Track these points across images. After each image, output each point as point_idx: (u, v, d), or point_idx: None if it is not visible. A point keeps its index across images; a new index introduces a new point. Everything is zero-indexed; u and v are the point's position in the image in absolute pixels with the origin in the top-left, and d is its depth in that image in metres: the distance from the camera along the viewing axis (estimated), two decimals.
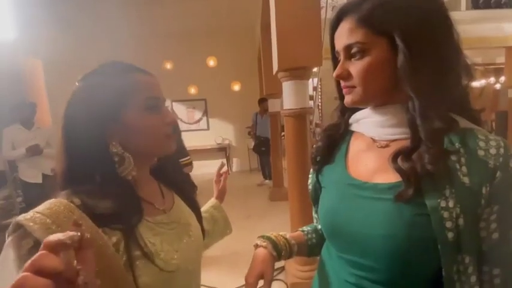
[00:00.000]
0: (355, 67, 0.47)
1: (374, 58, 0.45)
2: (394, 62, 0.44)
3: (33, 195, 2.65)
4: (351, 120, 0.56)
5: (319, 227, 0.66)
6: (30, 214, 0.38)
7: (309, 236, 0.66)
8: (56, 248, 0.22)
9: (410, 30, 0.43)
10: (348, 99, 0.50)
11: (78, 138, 0.46)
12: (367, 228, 0.46)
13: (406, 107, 0.45)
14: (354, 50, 0.46)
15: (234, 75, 5.47)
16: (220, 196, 0.84)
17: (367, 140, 0.52)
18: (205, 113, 5.83)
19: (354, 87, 0.48)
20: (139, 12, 3.99)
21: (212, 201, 0.83)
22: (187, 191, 0.65)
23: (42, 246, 0.22)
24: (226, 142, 5.87)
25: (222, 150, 5.75)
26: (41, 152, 2.57)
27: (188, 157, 2.33)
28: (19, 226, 0.38)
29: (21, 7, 2.87)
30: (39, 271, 0.21)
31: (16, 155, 2.57)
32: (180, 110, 5.67)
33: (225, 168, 0.85)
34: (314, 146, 0.61)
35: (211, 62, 5.01)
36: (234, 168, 6.03)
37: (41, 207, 0.40)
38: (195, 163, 2.54)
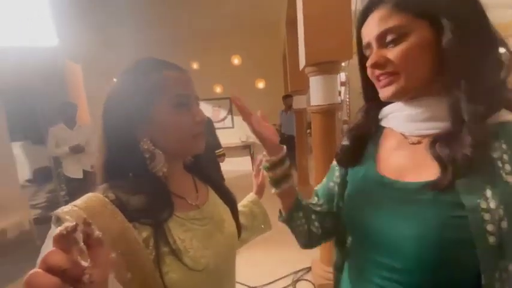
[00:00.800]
0: (395, 52, 0.44)
1: (415, 41, 0.42)
2: (435, 45, 0.42)
3: (75, 189, 2.87)
4: (380, 115, 0.54)
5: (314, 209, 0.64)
6: (68, 207, 0.40)
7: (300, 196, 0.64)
8: (59, 241, 0.22)
9: (454, 10, 0.41)
10: (387, 92, 0.46)
11: (113, 134, 0.48)
12: (395, 228, 0.44)
13: (441, 99, 0.43)
14: (390, 37, 0.44)
15: (258, 73, 5.45)
16: (260, 191, 0.83)
17: (398, 136, 0.50)
18: (230, 111, 5.90)
19: (395, 74, 0.45)
20: (166, 14, 4.13)
21: (251, 196, 0.81)
22: (223, 186, 0.64)
23: (52, 242, 0.22)
24: (251, 140, 5.89)
25: (247, 148, 5.78)
26: (83, 150, 2.79)
27: (221, 149, 2.53)
28: (59, 218, 0.39)
29: (62, 16, 3.09)
30: (49, 268, 0.21)
31: (60, 152, 2.80)
32: (206, 110, 5.75)
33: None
34: (340, 145, 0.59)
35: (236, 61, 5.04)
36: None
37: (78, 201, 0.42)
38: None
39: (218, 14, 4.37)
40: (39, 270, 0.21)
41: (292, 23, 3.22)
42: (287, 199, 0.61)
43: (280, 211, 0.64)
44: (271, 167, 0.58)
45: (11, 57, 2.78)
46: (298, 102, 3.79)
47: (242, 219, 0.66)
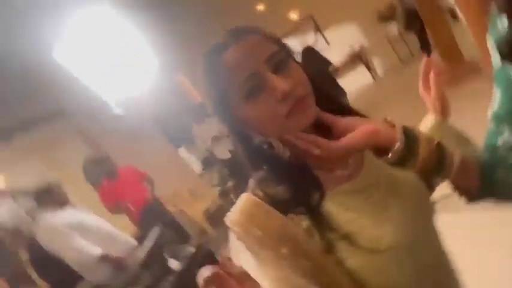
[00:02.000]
0: None
1: None
2: None
3: (231, 166, 3.88)
4: None
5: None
6: (230, 215, 0.40)
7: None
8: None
9: None
10: None
11: (229, 132, 0.46)
12: None
13: None
14: None
15: None
16: (438, 108, 0.52)
17: None
18: (318, 30, 5.12)
19: None
20: None
21: (429, 120, 0.53)
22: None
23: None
24: (357, 47, 4.95)
25: (357, 59, 4.93)
26: (219, 138, 3.62)
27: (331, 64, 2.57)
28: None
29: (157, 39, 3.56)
30: None
31: (207, 145, 3.80)
32: (293, 45, 5.33)
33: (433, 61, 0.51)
34: None
35: None
36: (380, 71, 5.08)
37: (236, 206, 0.41)
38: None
39: None
40: None
41: None
42: (467, 172, 0.41)
43: (461, 190, 0.44)
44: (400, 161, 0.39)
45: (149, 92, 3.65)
46: None
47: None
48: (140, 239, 2.00)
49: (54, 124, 3.37)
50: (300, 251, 0.37)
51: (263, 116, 0.40)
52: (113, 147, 3.63)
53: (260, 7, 4.59)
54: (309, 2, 4.76)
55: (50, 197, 1.91)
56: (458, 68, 2.80)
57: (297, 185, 0.41)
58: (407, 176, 0.44)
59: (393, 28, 4.43)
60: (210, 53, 0.42)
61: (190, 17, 3.94)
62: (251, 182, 0.44)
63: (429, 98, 0.54)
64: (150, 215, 2.69)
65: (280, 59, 0.39)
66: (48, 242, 1.79)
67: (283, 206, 0.39)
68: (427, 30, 3.05)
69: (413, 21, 3.63)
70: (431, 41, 3.28)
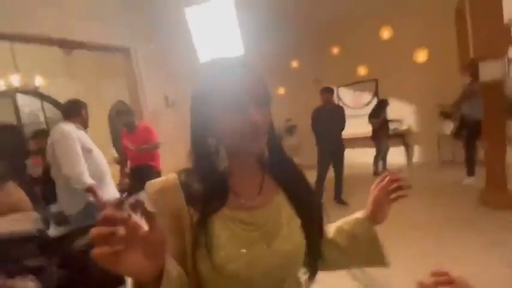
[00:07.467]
0: None
1: None
2: None
3: None
4: None
5: None
6: (152, 183, 0.49)
7: None
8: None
9: None
10: None
11: (191, 129, 0.54)
12: None
13: None
14: None
15: (417, 42, 4.30)
16: (375, 213, 0.58)
17: None
18: (376, 94, 5.11)
19: None
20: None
21: (359, 213, 0.60)
22: (299, 192, 0.55)
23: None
24: (404, 127, 4.86)
25: (399, 137, 4.82)
26: None
27: None
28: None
29: (247, 24, 3.03)
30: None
31: None
32: (346, 95, 5.37)
33: (399, 176, 0.57)
34: None
35: (386, 33, 4.21)
36: (415, 159, 4.92)
37: (160, 179, 0.50)
38: (359, 151, 2.07)
39: None
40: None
41: None
42: None
43: None
44: None
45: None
46: (488, 71, 2.64)
47: (339, 239, 0.59)
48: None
49: None
50: (178, 231, 0.46)
51: (231, 125, 0.47)
52: None
53: (335, 50, 4.68)
54: (381, 68, 4.81)
55: (76, 113, 1.92)
56: (499, 198, 2.66)
57: (209, 189, 0.48)
58: (292, 240, 0.50)
59: (449, 127, 4.31)
60: (218, 62, 0.50)
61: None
62: (182, 169, 0.52)
63: (371, 197, 0.59)
64: (137, 176, 2.78)
65: (265, 101, 0.49)
66: (57, 145, 1.78)
67: (190, 198, 0.47)
68: (485, 150, 2.91)
69: (462, 133, 3.49)
70: (483, 160, 3.14)
